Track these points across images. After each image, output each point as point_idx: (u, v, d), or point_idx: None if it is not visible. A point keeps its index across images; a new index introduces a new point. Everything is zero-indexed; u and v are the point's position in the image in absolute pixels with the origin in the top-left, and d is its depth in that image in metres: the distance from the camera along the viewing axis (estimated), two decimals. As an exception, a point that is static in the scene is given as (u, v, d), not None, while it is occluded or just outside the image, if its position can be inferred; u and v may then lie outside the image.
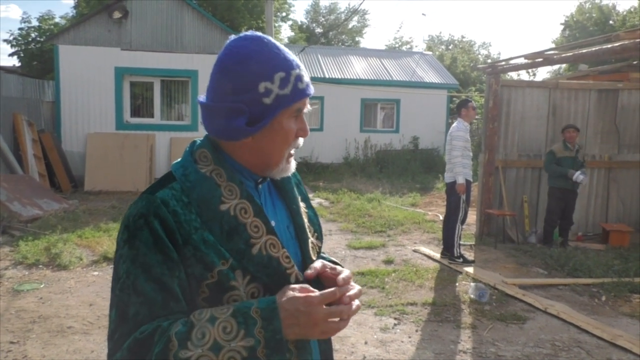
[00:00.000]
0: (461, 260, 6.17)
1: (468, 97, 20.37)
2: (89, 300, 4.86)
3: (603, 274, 5.70)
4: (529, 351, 3.94)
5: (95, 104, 11.80)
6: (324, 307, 1.01)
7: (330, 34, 33.25)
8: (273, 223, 1.14)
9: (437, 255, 6.50)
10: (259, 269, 1.06)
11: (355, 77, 17.29)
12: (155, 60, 12.03)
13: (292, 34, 32.12)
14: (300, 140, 1.16)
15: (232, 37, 1.13)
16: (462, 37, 46.00)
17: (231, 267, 1.04)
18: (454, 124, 6.33)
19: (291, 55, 1.12)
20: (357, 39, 36.92)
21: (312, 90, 1.13)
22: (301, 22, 34.04)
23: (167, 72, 12.18)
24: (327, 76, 16.86)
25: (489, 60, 31.54)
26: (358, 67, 18.10)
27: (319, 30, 32.78)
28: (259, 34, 1.12)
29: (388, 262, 6.31)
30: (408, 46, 34.47)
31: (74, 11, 21.61)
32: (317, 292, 1.02)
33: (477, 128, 17.80)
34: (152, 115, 12.45)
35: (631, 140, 7.91)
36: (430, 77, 18.21)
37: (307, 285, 1.06)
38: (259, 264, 1.07)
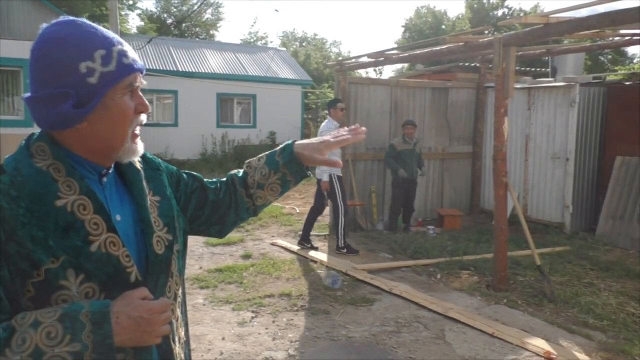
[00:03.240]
0: (345, 250, 6.43)
1: (322, 92, 21.17)
2: None
3: (438, 255, 6.35)
4: (376, 330, 4.26)
5: None
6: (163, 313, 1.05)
7: (183, 25, 32.11)
8: (118, 217, 1.12)
9: (294, 247, 6.69)
10: (97, 266, 1.03)
11: (210, 71, 16.98)
12: (-24, 47, 10.63)
13: (142, 23, 30.46)
14: (143, 117, 1.14)
15: (44, 25, 1.07)
16: (315, 34, 47.70)
17: (62, 266, 1.00)
18: (323, 123, 6.59)
19: (111, 33, 1.09)
20: (211, 32, 36.19)
21: (140, 65, 1.11)
22: (151, 11, 32.43)
23: (-8, 61, 10.84)
24: (180, 69, 16.33)
25: (340, 58, 33.05)
26: (213, 61, 17.79)
27: (170, 20, 31.47)
28: (71, 18, 1.08)
29: (246, 256, 6.34)
30: (263, 42, 34.69)
31: None
32: (155, 300, 1.06)
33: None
34: (-25, 109, 11.00)
35: (460, 133, 8.89)
36: (285, 73, 18.57)
37: (144, 288, 1.07)
38: (98, 262, 1.04)
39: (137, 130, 1.14)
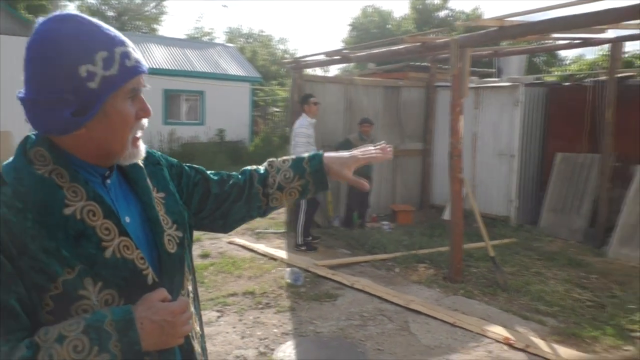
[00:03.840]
0: (304, 248, 6.44)
1: (271, 90, 21.08)
2: None
3: (395, 249, 6.51)
4: (342, 324, 4.34)
5: None
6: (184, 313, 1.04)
7: (124, 18, 31.02)
8: (127, 219, 1.09)
9: (253, 245, 6.66)
10: (113, 272, 1.01)
11: (156, 67, 16.51)
12: None
13: (80, 16, 29.10)
14: (144, 121, 1.09)
15: (40, 20, 1.00)
16: (261, 31, 47.33)
17: (79, 276, 0.96)
18: (298, 120, 6.53)
19: (113, 31, 1.03)
20: (154, 26, 35.16)
21: (144, 66, 1.06)
22: (91, 2, 31.10)
23: None
24: (124, 64, 15.78)
25: (287, 56, 32.99)
26: (159, 56, 17.33)
27: (111, 13, 30.33)
28: (72, 12, 1.01)
29: (204, 256, 6.26)
30: (209, 37, 34.09)
31: None
32: (175, 301, 1.05)
33: (280, 120, 18.53)
34: None
35: (412, 131, 9.14)
36: (234, 69, 18.37)
37: (163, 290, 1.06)
38: (114, 268, 1.01)
39: (139, 134, 1.10)
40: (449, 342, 4.02)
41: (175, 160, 1.35)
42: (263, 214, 1.43)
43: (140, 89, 1.06)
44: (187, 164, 1.37)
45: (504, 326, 4.26)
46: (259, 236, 7.30)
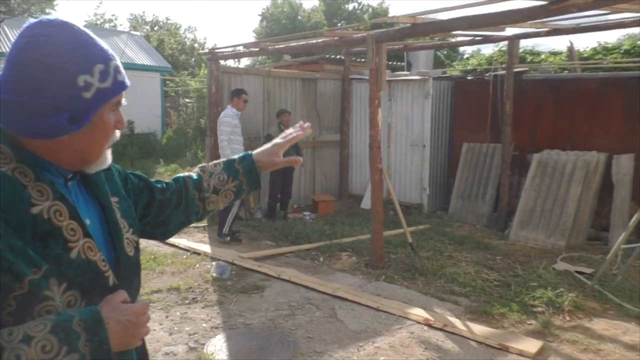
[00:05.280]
0: (229, 238, 6.47)
1: (182, 80, 20.45)
2: None
3: (318, 239, 6.66)
4: (272, 315, 4.40)
5: None
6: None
7: (12, 2, 28.51)
8: (88, 222, 1.09)
9: (175, 240, 6.50)
10: (78, 273, 1.01)
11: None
12: None
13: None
14: (117, 133, 1.12)
15: (30, 21, 1.01)
16: (167, 19, 45.52)
17: (45, 276, 0.96)
18: (224, 111, 6.69)
19: (104, 44, 1.06)
20: (47, 10, 32.63)
21: (128, 82, 1.10)
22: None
23: None
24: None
25: (197, 45, 32.10)
26: (57, 43, 16.15)
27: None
28: (66, 20, 1.03)
29: (122, 253, 6.02)
30: (112, 24, 32.25)
31: None
32: (136, 303, 1.07)
33: (193, 112, 18.06)
34: None
35: (329, 122, 9.33)
36: (142, 59, 17.60)
37: (123, 292, 1.07)
38: (79, 269, 1.01)
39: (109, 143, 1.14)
40: (375, 326, 4.21)
41: (120, 167, 1.36)
42: (200, 218, 1.48)
43: (121, 103, 1.10)
44: (130, 171, 1.39)
45: (424, 308, 4.54)
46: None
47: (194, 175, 1.45)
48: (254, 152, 1.47)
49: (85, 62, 1.00)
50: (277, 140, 1.47)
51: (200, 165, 1.49)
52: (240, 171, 1.44)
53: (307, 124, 1.51)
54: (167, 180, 1.45)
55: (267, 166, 1.46)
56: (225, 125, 6.54)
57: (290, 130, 1.49)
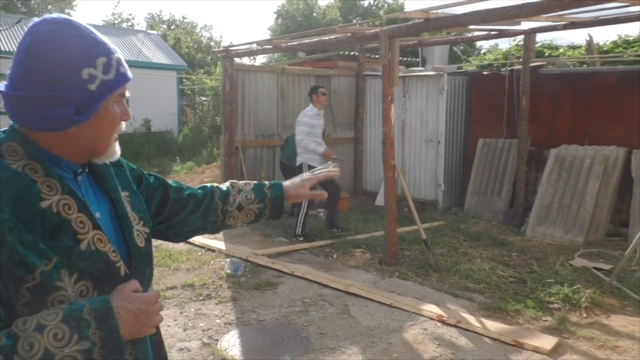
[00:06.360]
0: (302, 239, 6.44)
1: (198, 78, 20.60)
2: None
3: (332, 236, 6.66)
4: (285, 311, 4.42)
5: None
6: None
7: (32, 2, 28.99)
8: (98, 215, 1.13)
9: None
10: (88, 264, 1.05)
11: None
12: None
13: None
14: (123, 125, 1.17)
15: (35, 20, 1.05)
16: (184, 17, 45.85)
17: (55, 267, 1.00)
18: (304, 110, 6.45)
19: (106, 38, 1.10)
20: (67, 11, 33.15)
21: (131, 74, 1.15)
22: (-6, -16, 28.76)
23: None
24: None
25: (212, 43, 32.28)
26: (76, 43, 16.41)
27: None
28: (67, 16, 1.07)
29: (138, 250, 6.10)
30: (129, 24, 32.60)
31: None
32: (147, 291, 1.11)
33: (209, 109, 18.17)
34: None
35: (343, 119, 9.31)
36: (158, 57, 17.77)
37: (135, 281, 1.11)
38: (89, 260, 1.05)
39: (116, 135, 1.18)
40: (388, 323, 4.20)
41: (135, 165, 1.41)
42: (216, 230, 1.52)
43: (125, 95, 1.15)
44: (145, 171, 1.44)
45: (437, 304, 4.51)
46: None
47: (223, 187, 1.51)
48: (284, 182, 1.55)
49: (89, 55, 1.04)
50: (306, 174, 1.55)
51: (231, 180, 1.55)
52: (268, 196, 1.50)
53: (337, 169, 1.59)
54: (189, 186, 1.50)
55: (293, 197, 1.53)
56: (302, 125, 6.29)
57: (320, 168, 1.58)
